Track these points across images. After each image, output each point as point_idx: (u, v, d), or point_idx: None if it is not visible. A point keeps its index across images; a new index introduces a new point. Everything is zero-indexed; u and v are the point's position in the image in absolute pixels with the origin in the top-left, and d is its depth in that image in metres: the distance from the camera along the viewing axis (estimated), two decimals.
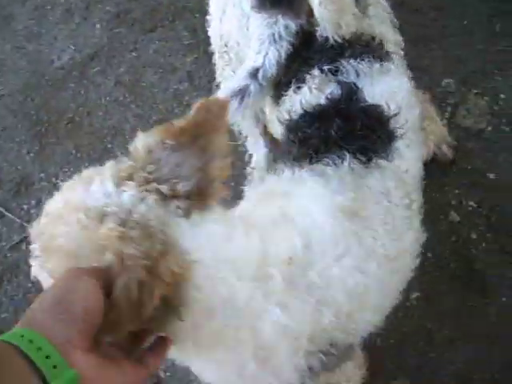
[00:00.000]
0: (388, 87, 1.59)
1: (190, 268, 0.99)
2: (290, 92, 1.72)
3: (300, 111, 1.61)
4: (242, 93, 1.73)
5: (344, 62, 1.63)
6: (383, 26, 1.96)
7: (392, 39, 2.01)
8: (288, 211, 1.31)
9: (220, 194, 1.10)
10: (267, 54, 1.76)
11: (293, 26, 1.77)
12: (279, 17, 1.77)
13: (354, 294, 1.31)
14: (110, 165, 1.06)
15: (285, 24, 1.77)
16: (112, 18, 3.35)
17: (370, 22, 1.89)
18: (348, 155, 1.44)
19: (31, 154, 2.90)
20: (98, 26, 3.33)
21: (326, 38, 1.70)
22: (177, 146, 1.07)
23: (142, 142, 1.08)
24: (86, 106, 3.05)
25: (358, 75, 1.60)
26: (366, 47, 1.69)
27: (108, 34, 3.29)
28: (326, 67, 1.65)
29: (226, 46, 2.04)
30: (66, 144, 2.92)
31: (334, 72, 1.63)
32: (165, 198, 1.02)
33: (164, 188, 1.02)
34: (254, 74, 1.75)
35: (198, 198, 1.06)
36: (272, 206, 1.35)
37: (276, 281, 1.15)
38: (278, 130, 1.79)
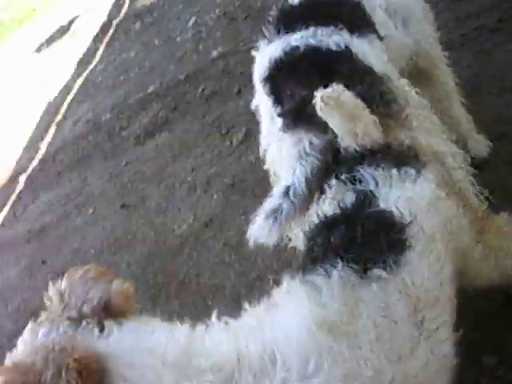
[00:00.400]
0: (405, 194, 1.49)
1: (96, 360, 1.14)
2: (314, 204, 1.69)
3: (316, 221, 1.56)
4: (275, 212, 1.74)
5: (361, 170, 1.58)
6: (431, 138, 1.88)
7: (445, 150, 1.91)
8: (264, 320, 1.30)
9: (129, 307, 1.31)
10: (295, 171, 1.77)
11: (318, 141, 1.78)
12: (303, 134, 1.80)
13: None
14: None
15: (309, 141, 1.79)
16: (227, 188, 3.59)
17: (412, 133, 1.83)
18: (340, 264, 1.35)
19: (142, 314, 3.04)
20: (215, 196, 3.58)
21: (347, 149, 1.67)
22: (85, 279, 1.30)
23: (53, 290, 1.29)
24: (196, 268, 3.19)
25: (376, 183, 1.53)
26: (387, 155, 1.62)
27: (223, 202, 3.51)
28: (343, 176, 1.60)
29: (274, 175, 2.08)
30: (173, 303, 3.04)
31: (353, 181, 1.58)
32: (76, 320, 1.23)
33: (73, 314, 1.23)
34: (285, 192, 1.78)
35: (106, 312, 1.26)
36: (254, 315, 1.35)
37: (204, 373, 1.15)
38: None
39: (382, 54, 2.02)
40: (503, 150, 2.79)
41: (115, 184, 4.24)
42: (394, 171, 1.53)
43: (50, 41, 8.66)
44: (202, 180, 3.76)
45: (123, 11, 7.80)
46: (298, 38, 1.95)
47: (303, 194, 1.76)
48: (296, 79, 1.86)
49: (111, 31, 7.34)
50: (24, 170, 5.45)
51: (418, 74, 2.46)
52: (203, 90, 4.61)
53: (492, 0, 3.57)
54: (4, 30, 10.57)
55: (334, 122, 1.62)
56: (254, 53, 2.13)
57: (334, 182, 1.62)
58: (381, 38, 2.12)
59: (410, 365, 1.26)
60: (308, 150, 1.79)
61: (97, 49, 7.12)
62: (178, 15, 6.39)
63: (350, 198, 1.52)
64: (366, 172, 1.55)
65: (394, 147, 1.66)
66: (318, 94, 1.58)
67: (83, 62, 6.97)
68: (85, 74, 6.58)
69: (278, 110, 1.88)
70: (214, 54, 5.02)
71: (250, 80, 4.40)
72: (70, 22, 8.78)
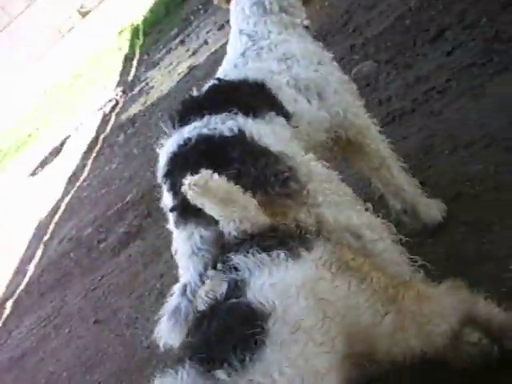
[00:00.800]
0: (271, 280, 1.34)
1: None
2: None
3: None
4: (175, 312, 1.66)
5: (233, 257, 1.44)
6: (342, 212, 1.75)
7: (359, 223, 1.77)
8: None
9: None
10: (189, 268, 1.67)
11: (208, 233, 1.67)
12: (193, 228, 1.69)
13: None
14: None
15: (199, 234, 1.68)
16: None
17: (317, 210, 1.70)
18: (188, 364, 1.21)
19: None
20: None
21: (229, 235, 1.56)
22: None
23: None
24: None
25: (249, 270, 1.39)
26: (268, 238, 1.48)
27: None
28: (219, 265, 1.48)
29: None
30: None
31: (229, 269, 1.44)
32: None
33: None
34: (183, 291, 1.69)
35: None
36: None
37: None
38: None
39: (283, 132, 1.93)
40: (459, 211, 2.62)
41: (90, 299, 4.11)
42: (265, 256, 1.39)
43: (44, 163, 8.87)
44: (171, 285, 3.60)
45: (109, 125, 7.99)
46: (190, 130, 1.87)
47: None
48: (187, 171, 1.77)
49: (98, 147, 7.48)
50: (12, 294, 5.38)
51: (350, 146, 2.35)
52: None
53: (439, 62, 3.52)
54: (2, 157, 10.92)
55: (209, 209, 1.51)
56: (158, 151, 2.05)
57: (211, 272, 1.48)
58: (288, 115, 2.03)
59: None
60: (199, 244, 1.67)
61: (85, 165, 7.23)
62: (157, 123, 6.49)
63: (221, 289, 1.37)
64: (237, 259, 1.40)
65: (280, 228, 1.53)
66: (186, 182, 1.48)
67: (72, 180, 7.06)
68: (72, 192, 6.63)
69: (170, 205, 1.79)
70: None
71: None
72: (62, 143, 9.02)
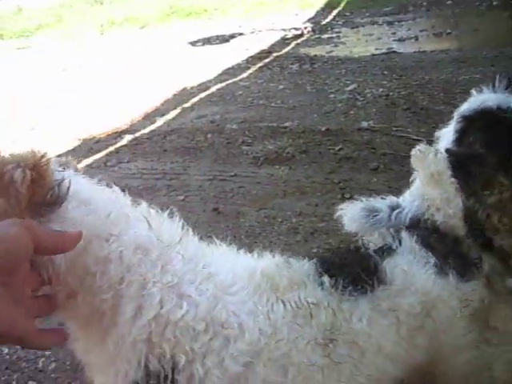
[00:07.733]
0: (404, 268, 1.54)
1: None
2: None
3: None
4: (372, 211, 1.74)
5: (404, 233, 1.63)
6: None
7: None
8: None
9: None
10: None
11: None
12: None
13: None
14: None
15: None
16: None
17: None
18: None
19: None
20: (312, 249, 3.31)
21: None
22: None
23: None
24: None
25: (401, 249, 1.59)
26: (434, 237, 1.61)
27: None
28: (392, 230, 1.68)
29: None
30: None
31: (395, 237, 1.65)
32: None
33: None
34: (391, 209, 1.79)
35: None
36: None
37: None
38: None
39: None
40: None
41: (215, 187, 4.05)
42: (422, 252, 1.56)
43: (207, 41, 8.85)
44: (307, 226, 3.49)
45: (286, 49, 7.89)
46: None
47: None
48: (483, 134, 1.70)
49: (267, 60, 7.39)
50: (134, 136, 5.38)
51: None
52: (340, 150, 4.42)
53: None
54: (174, 14, 10.93)
55: (420, 180, 1.70)
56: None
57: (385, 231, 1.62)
58: None
59: None
60: None
61: (247, 67, 7.15)
62: (339, 77, 6.33)
63: (379, 244, 1.58)
64: (404, 235, 1.57)
65: (462, 242, 1.60)
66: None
67: (229, 73, 6.99)
68: (226, 82, 6.57)
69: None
70: (364, 124, 4.85)
71: (391, 163, 4.18)
72: (231, 36, 8.97)
